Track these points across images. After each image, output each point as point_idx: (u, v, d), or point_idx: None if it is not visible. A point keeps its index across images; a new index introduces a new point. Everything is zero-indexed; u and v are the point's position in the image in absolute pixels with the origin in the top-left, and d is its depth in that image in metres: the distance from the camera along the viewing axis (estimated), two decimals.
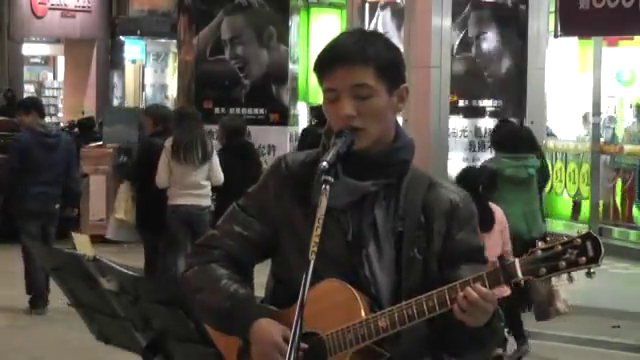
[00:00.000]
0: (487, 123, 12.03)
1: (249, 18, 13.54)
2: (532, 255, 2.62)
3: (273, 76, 13.56)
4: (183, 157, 9.45)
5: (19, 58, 23.85)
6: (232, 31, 13.52)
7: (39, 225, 9.83)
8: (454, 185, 2.99)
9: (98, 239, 13.73)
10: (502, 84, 12.22)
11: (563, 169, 15.06)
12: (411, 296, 2.72)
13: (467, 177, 7.60)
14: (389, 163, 2.83)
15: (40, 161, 9.76)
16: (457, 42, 12.00)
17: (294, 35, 14.12)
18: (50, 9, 23.84)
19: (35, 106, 10.29)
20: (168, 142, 9.58)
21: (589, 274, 2.60)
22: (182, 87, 14.74)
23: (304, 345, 2.71)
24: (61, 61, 27.71)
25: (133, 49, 27.21)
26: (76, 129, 16.98)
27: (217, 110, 13.19)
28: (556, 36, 11.94)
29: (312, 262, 2.58)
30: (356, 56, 2.76)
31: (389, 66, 2.79)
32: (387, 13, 13.27)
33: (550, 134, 15.09)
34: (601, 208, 14.35)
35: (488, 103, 12.25)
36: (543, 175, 10.79)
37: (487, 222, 7.20)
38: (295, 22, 14.29)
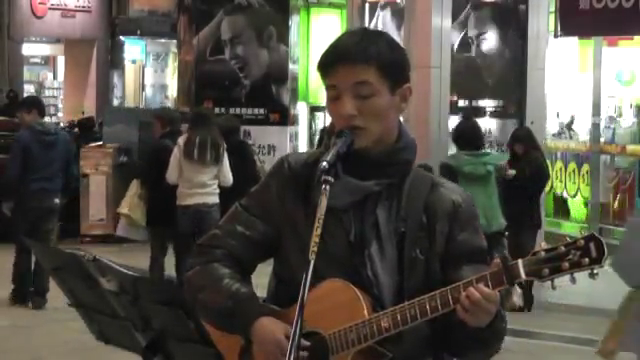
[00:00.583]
0: (487, 123, 12.02)
1: (249, 18, 13.54)
2: (535, 256, 2.61)
3: (273, 76, 13.56)
4: (197, 156, 9.62)
5: (19, 58, 23.83)
6: (232, 31, 13.52)
7: (37, 221, 9.99)
8: (456, 186, 2.98)
9: (98, 239, 13.85)
10: (502, 84, 12.21)
11: (563, 169, 15.07)
12: (413, 296, 2.71)
13: None
14: (391, 163, 2.83)
15: (39, 158, 9.98)
16: (457, 42, 12.00)
17: (294, 35, 14.11)
18: (50, 9, 23.82)
19: (36, 105, 10.53)
20: (182, 140, 9.77)
21: (592, 275, 2.59)
22: (182, 87, 14.74)
23: (306, 343, 2.71)
24: (61, 61, 27.68)
25: (133, 49, 27.20)
26: (76, 129, 16.97)
27: (217, 110, 13.18)
28: (556, 36, 11.93)
29: (312, 262, 2.57)
30: (358, 55, 2.76)
31: (391, 65, 2.79)
32: (387, 13, 13.26)
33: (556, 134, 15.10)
34: (601, 208, 14.35)
35: (488, 103, 12.25)
36: (543, 175, 10.81)
37: None
38: (295, 22, 14.29)
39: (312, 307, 2.69)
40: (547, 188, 12.06)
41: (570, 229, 14.13)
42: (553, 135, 15.40)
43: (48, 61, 29.58)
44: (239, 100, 13.47)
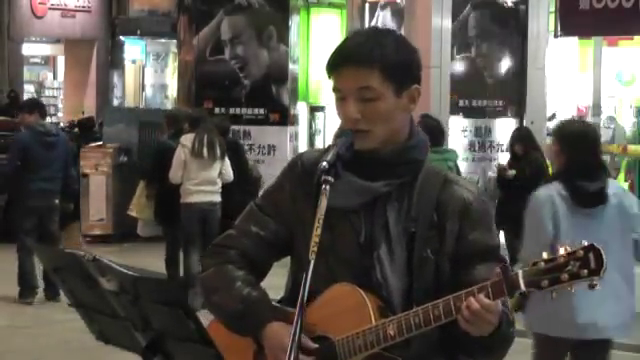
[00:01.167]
0: (487, 123, 12.03)
1: (249, 18, 13.54)
2: (535, 266, 2.59)
3: (273, 76, 13.56)
4: (207, 153, 9.81)
5: (19, 58, 23.85)
6: (232, 31, 13.51)
7: (38, 221, 10.19)
8: (470, 183, 2.96)
9: (98, 239, 13.85)
10: (502, 84, 12.23)
11: None
12: (422, 298, 2.71)
13: None
14: (401, 162, 2.81)
15: (40, 159, 10.13)
16: (457, 42, 12.00)
17: (294, 35, 14.11)
18: (50, 9, 23.83)
19: (38, 107, 10.72)
20: (185, 139, 9.90)
21: (591, 286, 2.58)
22: (182, 87, 14.74)
23: (314, 346, 2.72)
24: (61, 61, 27.69)
25: (133, 49, 27.20)
26: (76, 129, 16.98)
27: (217, 110, 13.19)
28: (556, 36, 11.93)
29: (312, 262, 2.57)
30: (361, 58, 2.74)
31: (396, 67, 2.76)
32: (387, 13, 13.26)
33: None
34: None
35: (488, 103, 12.25)
36: (543, 175, 10.81)
37: None
38: (295, 22, 14.28)
39: (321, 311, 2.72)
40: None
41: None
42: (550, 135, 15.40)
43: (48, 61, 29.58)
44: (239, 100, 13.47)
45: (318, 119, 16.76)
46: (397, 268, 2.79)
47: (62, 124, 19.90)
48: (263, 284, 2.98)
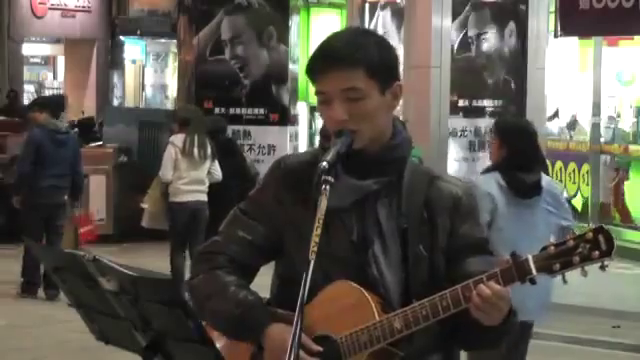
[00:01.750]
0: (487, 123, 12.03)
1: (249, 18, 13.54)
2: (545, 251, 2.60)
3: (273, 76, 13.56)
4: (197, 153, 9.94)
5: (19, 58, 23.83)
6: (232, 31, 13.51)
7: (44, 217, 10.42)
8: (455, 178, 2.98)
9: (98, 239, 13.84)
10: (502, 84, 12.22)
11: (563, 169, 15.07)
12: (420, 293, 2.72)
13: None
14: (387, 161, 2.83)
15: (51, 156, 10.42)
16: (457, 42, 12.00)
17: (294, 35, 14.11)
18: (50, 9, 23.81)
19: (50, 105, 10.99)
20: (176, 139, 10.06)
21: (602, 267, 2.59)
22: (182, 87, 14.73)
23: (318, 348, 2.71)
24: (61, 61, 27.68)
25: (133, 49, 27.20)
26: (76, 129, 16.97)
27: (217, 110, 13.19)
28: (556, 36, 11.94)
29: (312, 262, 2.57)
30: (345, 59, 2.75)
31: (379, 66, 2.78)
32: (387, 13, 13.27)
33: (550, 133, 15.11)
34: (601, 208, 14.35)
35: (488, 103, 12.25)
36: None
37: None
38: (295, 22, 14.28)
39: (321, 311, 2.71)
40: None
41: None
42: (549, 135, 15.40)
43: (48, 61, 29.59)
44: (239, 100, 13.47)
45: (318, 119, 16.76)
46: (392, 264, 2.79)
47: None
48: (253, 283, 2.98)
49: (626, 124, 15.53)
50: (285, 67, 13.65)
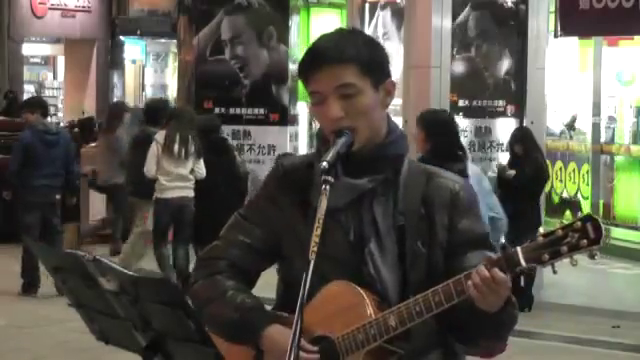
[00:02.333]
0: (487, 123, 12.02)
1: (249, 18, 13.53)
2: (534, 242, 2.60)
3: (273, 76, 13.55)
4: (177, 150, 10.05)
5: (19, 58, 23.82)
6: (232, 31, 13.50)
7: (40, 217, 10.54)
8: (453, 174, 2.98)
9: (98, 239, 13.84)
10: (502, 84, 12.21)
11: (563, 169, 15.07)
12: (418, 290, 2.71)
13: None
14: (382, 158, 2.83)
15: (42, 156, 10.50)
16: (457, 42, 11.99)
17: (294, 35, 14.11)
18: (50, 9, 23.80)
19: (40, 106, 11.12)
20: (159, 135, 10.21)
21: (592, 256, 2.58)
22: (182, 87, 14.72)
23: (314, 349, 2.72)
24: (61, 61, 27.67)
25: (133, 49, 27.19)
26: (76, 129, 16.96)
27: (217, 110, 13.18)
28: (556, 36, 11.93)
29: (312, 262, 2.57)
30: (336, 58, 2.76)
31: (371, 63, 2.79)
32: (387, 13, 13.26)
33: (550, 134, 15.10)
34: (601, 208, 14.35)
35: (488, 103, 12.24)
36: (543, 176, 10.81)
37: None
38: (295, 22, 14.28)
39: (319, 311, 2.71)
40: (547, 188, 12.05)
41: None
42: (549, 135, 15.39)
43: (48, 61, 29.58)
44: (239, 100, 13.46)
45: None
46: (389, 261, 2.79)
47: (62, 124, 19.86)
48: (260, 282, 2.98)
49: (626, 124, 15.51)
50: (285, 67, 13.64)
